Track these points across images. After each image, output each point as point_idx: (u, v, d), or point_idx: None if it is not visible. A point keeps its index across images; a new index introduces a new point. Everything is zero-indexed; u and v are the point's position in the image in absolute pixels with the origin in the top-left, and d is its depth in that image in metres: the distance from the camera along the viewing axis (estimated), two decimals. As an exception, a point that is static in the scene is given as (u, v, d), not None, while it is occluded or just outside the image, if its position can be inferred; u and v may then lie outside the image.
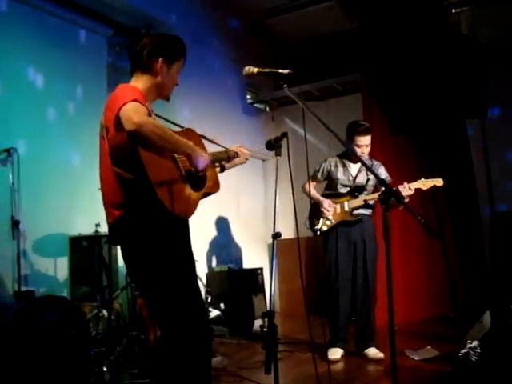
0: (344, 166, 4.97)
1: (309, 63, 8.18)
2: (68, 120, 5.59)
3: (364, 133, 4.79)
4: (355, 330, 4.94)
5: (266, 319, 2.28)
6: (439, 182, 4.61)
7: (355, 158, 4.90)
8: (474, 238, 6.77)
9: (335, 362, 4.71)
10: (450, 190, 6.84)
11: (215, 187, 2.90)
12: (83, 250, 5.16)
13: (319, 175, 5.04)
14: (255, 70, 2.76)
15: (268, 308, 2.32)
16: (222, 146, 3.06)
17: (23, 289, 4.51)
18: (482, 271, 6.65)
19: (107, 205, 2.63)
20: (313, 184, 5.07)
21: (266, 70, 2.76)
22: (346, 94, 7.96)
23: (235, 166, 3.17)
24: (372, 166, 4.93)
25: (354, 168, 4.97)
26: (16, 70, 5.12)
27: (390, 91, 6.54)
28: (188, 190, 2.62)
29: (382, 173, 4.93)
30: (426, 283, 6.60)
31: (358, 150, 4.80)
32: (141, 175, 2.39)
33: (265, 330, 2.24)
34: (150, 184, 2.37)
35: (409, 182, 4.56)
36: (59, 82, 5.52)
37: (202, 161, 2.57)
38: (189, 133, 2.86)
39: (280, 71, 2.68)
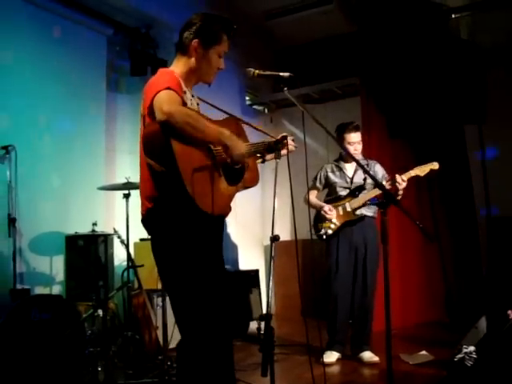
0: (340, 169, 5.02)
1: (308, 66, 8.19)
2: (67, 119, 5.57)
3: (354, 130, 4.87)
4: (351, 334, 4.95)
5: (263, 322, 2.28)
6: (435, 165, 4.61)
7: (350, 159, 4.95)
8: (471, 243, 6.77)
9: (330, 365, 4.72)
10: (447, 195, 6.87)
11: (255, 180, 2.79)
12: (79, 249, 5.12)
13: (317, 183, 5.09)
14: (256, 72, 2.75)
15: (265, 310, 2.31)
16: (268, 134, 2.87)
17: (19, 287, 4.50)
18: (477, 276, 6.65)
19: (141, 195, 2.59)
20: (314, 193, 5.09)
21: (267, 72, 2.75)
22: (344, 98, 7.97)
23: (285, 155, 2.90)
24: (368, 165, 4.96)
25: (349, 169, 5.01)
26: (14, 68, 5.09)
27: (388, 95, 6.54)
28: (223, 184, 2.55)
29: (379, 171, 4.95)
30: (422, 288, 6.61)
31: (351, 148, 4.85)
32: (172, 168, 2.32)
33: (261, 332, 2.23)
34: (180, 178, 2.31)
35: (407, 185, 4.56)
36: (58, 80, 5.49)
37: (238, 150, 2.48)
38: (230, 121, 2.78)
39: (281, 74, 2.67)
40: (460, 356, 3.58)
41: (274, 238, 2.39)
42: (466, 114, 6.33)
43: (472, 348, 3.56)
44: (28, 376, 3.75)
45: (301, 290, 4.15)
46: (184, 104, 2.50)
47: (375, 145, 6.41)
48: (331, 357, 4.80)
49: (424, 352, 4.79)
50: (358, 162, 3.08)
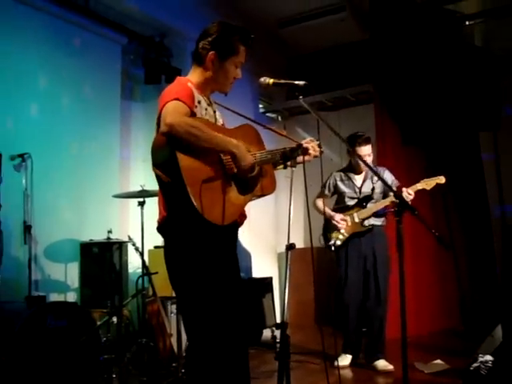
0: (348, 178, 5.05)
1: (321, 73, 8.20)
2: (82, 127, 5.61)
3: (364, 143, 4.86)
4: (365, 342, 4.95)
5: (279, 330, 2.28)
6: (441, 179, 4.62)
7: (359, 169, 5.01)
8: (485, 250, 6.73)
9: (344, 368, 4.76)
10: (461, 202, 6.83)
11: (271, 188, 2.76)
12: (94, 256, 5.16)
13: (326, 191, 5.12)
14: (271, 81, 2.74)
15: (279, 318, 2.32)
16: (291, 139, 2.85)
17: (34, 294, 4.53)
18: (492, 283, 6.60)
19: (158, 203, 2.62)
20: (321, 199, 5.11)
21: (282, 81, 2.74)
22: (358, 105, 7.97)
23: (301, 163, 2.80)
24: (379, 173, 4.89)
25: (358, 179, 5.04)
26: (30, 77, 5.15)
27: (402, 102, 6.53)
28: (234, 193, 2.53)
29: (388, 178, 4.96)
30: (436, 295, 6.57)
31: (361, 161, 4.88)
32: (178, 180, 2.32)
33: (277, 340, 2.23)
34: (186, 190, 2.31)
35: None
36: (73, 88, 5.55)
37: (244, 161, 2.47)
38: (245, 129, 2.77)
39: (296, 82, 2.66)
40: (476, 365, 3.55)
41: (290, 247, 2.39)
42: (480, 120, 6.31)
43: (488, 357, 3.53)
44: (43, 382, 3.77)
45: (315, 298, 4.15)
46: (193, 114, 2.49)
47: (389, 152, 6.40)
48: (344, 360, 4.86)
49: (439, 361, 4.76)
50: (372, 169, 3.05)
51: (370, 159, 4.92)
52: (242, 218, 2.71)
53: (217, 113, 2.77)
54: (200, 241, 2.48)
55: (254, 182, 2.65)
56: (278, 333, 2.30)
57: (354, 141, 4.84)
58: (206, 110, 2.65)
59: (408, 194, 4.51)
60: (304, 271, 6.31)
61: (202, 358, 2.48)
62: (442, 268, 6.68)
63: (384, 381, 4.52)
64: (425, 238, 5.87)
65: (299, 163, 2.73)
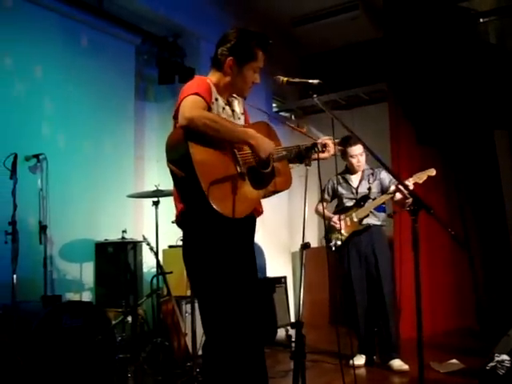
0: (345, 180, 5.15)
1: (335, 72, 8.17)
2: (96, 127, 5.64)
3: (353, 143, 4.96)
4: (378, 342, 4.97)
5: (293, 329, 2.27)
6: (432, 171, 4.67)
7: (354, 170, 5.11)
8: (501, 249, 6.67)
9: (359, 367, 4.78)
10: (476, 201, 6.78)
11: (286, 184, 2.79)
12: (109, 255, 5.18)
13: (326, 195, 5.24)
14: (285, 79, 2.77)
15: (293, 317, 2.32)
16: (311, 138, 2.91)
17: (49, 293, 4.56)
18: (509, 282, 6.55)
19: (174, 199, 2.70)
20: (321, 205, 5.20)
21: (296, 80, 2.76)
22: (371, 104, 7.94)
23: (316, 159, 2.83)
24: (374, 173, 5.07)
25: (354, 180, 5.14)
26: (44, 78, 5.18)
27: (416, 101, 6.50)
28: (247, 188, 2.57)
29: (385, 177, 5.03)
30: (451, 294, 6.53)
31: (354, 161, 5.03)
32: (191, 174, 2.38)
33: (292, 340, 2.23)
34: (198, 183, 2.36)
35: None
36: (88, 89, 5.57)
37: (264, 149, 2.53)
38: (260, 125, 2.81)
39: (310, 81, 2.67)
40: (492, 364, 3.53)
41: (305, 246, 2.39)
42: (495, 119, 6.27)
43: (505, 356, 3.51)
44: (59, 381, 3.80)
45: (329, 297, 4.15)
46: (209, 109, 2.56)
47: (403, 151, 6.36)
48: (359, 360, 4.88)
49: (454, 360, 4.73)
50: (386, 167, 3.00)
51: (362, 159, 5.04)
52: (258, 211, 2.76)
53: (235, 112, 2.81)
54: (216, 234, 2.53)
55: (268, 178, 2.69)
56: (292, 332, 2.30)
57: (345, 142, 4.93)
58: (224, 108, 2.69)
59: (404, 187, 4.33)
60: (318, 270, 6.33)
61: (219, 352, 2.52)
62: (457, 267, 6.63)
63: (399, 380, 4.49)
64: (439, 236, 5.85)
65: (314, 160, 2.74)
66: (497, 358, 3.53)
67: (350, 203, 5.04)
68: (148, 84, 6.60)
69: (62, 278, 5.11)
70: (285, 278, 6.72)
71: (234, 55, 2.66)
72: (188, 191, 2.49)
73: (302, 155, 2.64)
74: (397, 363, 4.74)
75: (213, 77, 2.73)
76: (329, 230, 5.06)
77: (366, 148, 2.58)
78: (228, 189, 2.47)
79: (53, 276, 4.93)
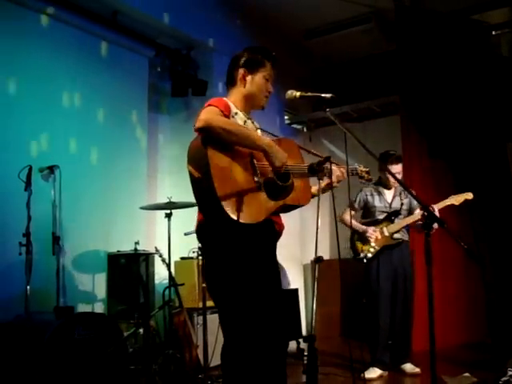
0: (379, 193, 5.19)
1: (347, 84, 8.18)
2: (109, 139, 5.68)
3: (396, 161, 5.07)
4: (391, 352, 5.03)
5: (306, 343, 2.27)
6: (469, 195, 4.80)
7: (389, 185, 5.17)
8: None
9: (371, 380, 4.78)
10: (489, 214, 6.74)
11: (302, 200, 2.80)
12: (121, 267, 5.20)
13: (356, 205, 5.25)
14: (297, 93, 2.78)
15: (305, 331, 2.31)
16: (319, 156, 2.88)
17: (62, 304, 4.58)
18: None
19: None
20: (350, 213, 5.20)
21: (309, 93, 2.77)
22: (384, 116, 7.93)
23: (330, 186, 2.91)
24: (404, 192, 5.14)
25: (388, 194, 5.20)
26: (58, 90, 5.23)
27: (428, 113, 6.49)
28: (262, 196, 2.59)
29: (415, 200, 5.04)
30: (463, 307, 6.49)
31: (391, 178, 5.07)
32: (207, 176, 2.43)
33: (305, 354, 2.23)
34: (213, 184, 2.41)
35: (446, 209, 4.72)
36: (101, 101, 5.62)
37: (279, 159, 2.57)
38: (284, 141, 2.85)
39: (323, 95, 2.68)
40: (505, 379, 3.52)
41: (318, 259, 2.39)
42: (508, 131, 6.25)
43: (518, 371, 3.49)
44: (72, 393, 3.81)
45: (341, 310, 4.15)
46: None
47: (416, 164, 6.36)
48: (372, 373, 4.86)
49: (467, 374, 4.68)
50: (405, 186, 3.03)
51: (398, 177, 5.05)
52: (278, 224, 2.78)
53: (259, 130, 2.92)
54: (235, 244, 2.56)
55: (285, 192, 2.71)
56: (304, 345, 2.30)
57: (386, 158, 5.03)
58: (245, 122, 2.77)
59: (431, 209, 4.61)
60: (330, 283, 6.31)
61: (238, 362, 2.53)
62: (470, 280, 6.59)
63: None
64: (452, 250, 5.86)
65: (328, 187, 2.86)
66: (510, 373, 3.52)
67: (381, 216, 5.10)
68: (161, 96, 6.65)
69: (75, 289, 5.13)
70: (296, 290, 6.71)
71: (245, 66, 2.83)
72: (202, 192, 2.53)
73: (314, 169, 2.65)
74: (409, 366, 4.95)
75: (230, 95, 2.86)
76: (360, 241, 5.10)
77: (377, 160, 2.60)
78: (241, 194, 2.49)
79: (65, 287, 4.96)
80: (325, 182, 2.79)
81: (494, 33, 6.75)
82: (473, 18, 6.64)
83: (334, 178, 2.85)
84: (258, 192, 2.58)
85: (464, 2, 6.63)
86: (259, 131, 2.92)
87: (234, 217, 2.42)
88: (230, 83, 2.88)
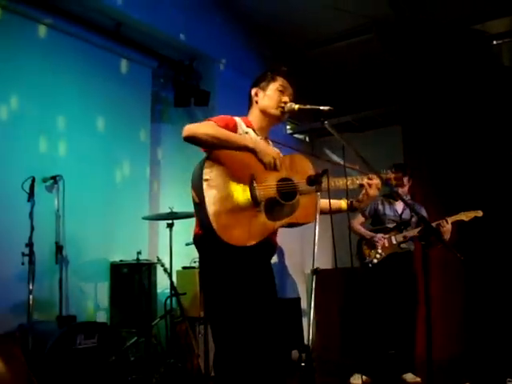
0: (390, 203, 5.36)
1: (348, 94, 8.20)
2: (112, 149, 5.73)
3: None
4: (393, 360, 5.11)
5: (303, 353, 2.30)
6: (479, 213, 4.93)
7: (397, 196, 5.29)
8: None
9: None
10: (492, 227, 6.71)
11: (307, 217, 2.79)
12: (124, 276, 5.23)
13: (366, 213, 5.40)
14: (296, 106, 2.83)
15: (306, 342, 2.33)
16: (353, 168, 2.99)
17: (64, 313, 4.60)
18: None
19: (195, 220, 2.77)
20: (360, 220, 5.43)
21: (307, 106, 2.80)
22: (385, 126, 7.94)
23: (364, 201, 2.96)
24: (414, 205, 5.29)
25: (398, 205, 5.36)
26: (61, 101, 5.27)
27: (429, 123, 6.52)
28: (261, 218, 2.60)
29: (424, 211, 5.27)
30: (465, 319, 6.49)
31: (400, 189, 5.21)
32: (203, 200, 2.47)
33: (302, 364, 2.25)
34: (206, 210, 2.45)
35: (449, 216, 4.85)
36: (105, 111, 5.67)
37: (267, 154, 2.59)
38: (294, 157, 2.86)
39: (321, 108, 2.71)
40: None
41: (315, 271, 2.41)
42: (510, 140, 6.26)
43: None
44: (74, 402, 3.83)
45: (340, 319, 4.17)
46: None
47: (417, 174, 6.37)
48: (357, 379, 5.02)
49: (468, 384, 4.71)
50: (402, 197, 3.06)
51: (401, 190, 5.22)
52: (274, 244, 2.84)
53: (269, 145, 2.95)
54: (230, 259, 2.58)
55: (289, 210, 2.72)
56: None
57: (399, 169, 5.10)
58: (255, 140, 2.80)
59: (446, 222, 4.82)
60: (332, 291, 6.33)
61: (228, 373, 2.56)
62: (471, 292, 6.58)
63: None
64: (453, 263, 5.90)
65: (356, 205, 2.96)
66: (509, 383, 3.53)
67: (390, 225, 5.25)
68: (164, 106, 6.69)
69: (78, 298, 5.15)
70: (298, 299, 6.72)
71: (256, 85, 2.97)
72: (201, 217, 2.54)
73: (313, 180, 2.67)
74: (410, 376, 5.04)
75: (250, 115, 2.97)
76: (367, 246, 5.21)
77: (375, 172, 2.63)
78: (237, 217, 2.51)
79: (68, 296, 4.98)
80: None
81: (495, 42, 6.78)
82: (474, 28, 6.67)
83: (370, 192, 2.91)
84: (257, 213, 2.59)
85: (465, 11, 6.66)
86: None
87: (224, 238, 2.46)
88: (249, 105, 2.99)
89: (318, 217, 2.55)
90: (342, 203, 2.97)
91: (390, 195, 5.38)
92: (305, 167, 2.82)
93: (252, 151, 2.59)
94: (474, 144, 6.28)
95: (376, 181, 2.89)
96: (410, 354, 5.11)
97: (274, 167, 2.61)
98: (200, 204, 2.51)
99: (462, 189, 6.52)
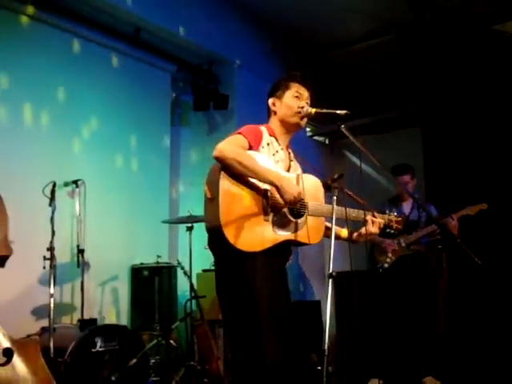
0: (397, 206, 5.27)
1: (367, 96, 8.17)
2: (133, 153, 5.78)
3: (400, 173, 5.19)
4: (412, 364, 5.02)
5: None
6: (484, 205, 4.89)
7: (406, 198, 5.30)
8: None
9: None
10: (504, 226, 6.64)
11: (312, 238, 2.84)
12: (144, 279, 5.27)
13: None
14: (313, 110, 2.84)
15: (323, 345, 2.33)
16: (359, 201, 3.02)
17: (86, 316, 4.65)
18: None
19: None
20: None
21: (324, 110, 2.81)
22: (404, 128, 7.88)
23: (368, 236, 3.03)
24: (425, 205, 5.15)
25: (405, 207, 5.28)
26: (83, 106, 5.33)
27: (449, 125, 6.47)
28: (267, 228, 2.63)
29: (433, 210, 5.15)
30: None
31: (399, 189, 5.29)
32: (216, 198, 2.52)
33: (318, 368, 2.26)
34: (218, 206, 2.49)
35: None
36: (126, 116, 5.72)
37: (288, 193, 2.58)
38: (306, 179, 2.88)
39: (338, 112, 2.72)
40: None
41: (330, 275, 2.41)
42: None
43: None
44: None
45: (358, 322, 4.16)
46: (251, 149, 2.69)
47: (437, 175, 6.34)
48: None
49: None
50: (413, 197, 3.07)
51: (409, 187, 5.19)
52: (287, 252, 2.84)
53: (293, 162, 2.97)
54: (241, 261, 2.58)
55: (293, 227, 2.75)
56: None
57: (393, 171, 5.20)
58: (277, 151, 2.83)
59: (451, 218, 4.70)
60: (350, 294, 6.29)
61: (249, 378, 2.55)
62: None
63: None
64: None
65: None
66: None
67: None
68: (183, 110, 6.73)
69: (98, 302, 5.21)
70: (318, 302, 6.70)
71: (272, 95, 2.97)
72: (211, 212, 2.59)
73: (329, 186, 2.69)
74: (430, 380, 4.95)
75: (270, 124, 2.96)
76: (376, 252, 5.20)
77: (392, 175, 2.62)
78: (244, 221, 2.55)
79: (89, 299, 5.03)
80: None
81: (515, 43, 6.71)
82: (494, 29, 6.61)
83: (372, 229, 2.98)
84: (264, 223, 2.63)
85: (485, 12, 6.61)
86: (292, 163, 2.95)
87: (232, 242, 2.48)
88: (268, 115, 3.00)
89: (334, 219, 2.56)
90: (343, 231, 3.02)
91: (396, 198, 5.37)
92: (314, 189, 2.90)
93: (275, 187, 2.60)
94: (495, 146, 6.22)
95: (379, 220, 3.00)
96: (428, 357, 5.03)
97: (292, 204, 2.65)
98: (212, 200, 2.56)
99: (483, 190, 6.46)
